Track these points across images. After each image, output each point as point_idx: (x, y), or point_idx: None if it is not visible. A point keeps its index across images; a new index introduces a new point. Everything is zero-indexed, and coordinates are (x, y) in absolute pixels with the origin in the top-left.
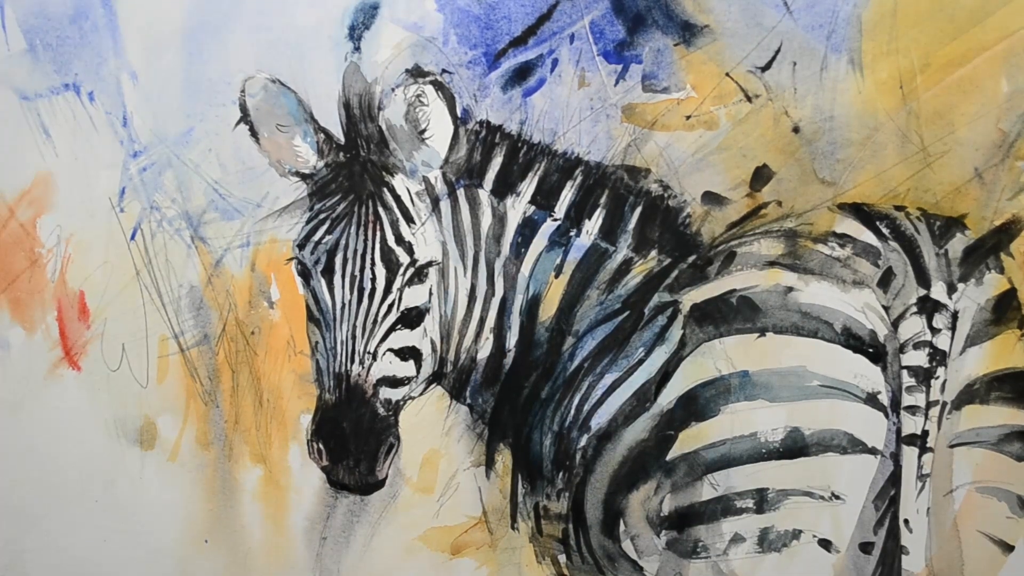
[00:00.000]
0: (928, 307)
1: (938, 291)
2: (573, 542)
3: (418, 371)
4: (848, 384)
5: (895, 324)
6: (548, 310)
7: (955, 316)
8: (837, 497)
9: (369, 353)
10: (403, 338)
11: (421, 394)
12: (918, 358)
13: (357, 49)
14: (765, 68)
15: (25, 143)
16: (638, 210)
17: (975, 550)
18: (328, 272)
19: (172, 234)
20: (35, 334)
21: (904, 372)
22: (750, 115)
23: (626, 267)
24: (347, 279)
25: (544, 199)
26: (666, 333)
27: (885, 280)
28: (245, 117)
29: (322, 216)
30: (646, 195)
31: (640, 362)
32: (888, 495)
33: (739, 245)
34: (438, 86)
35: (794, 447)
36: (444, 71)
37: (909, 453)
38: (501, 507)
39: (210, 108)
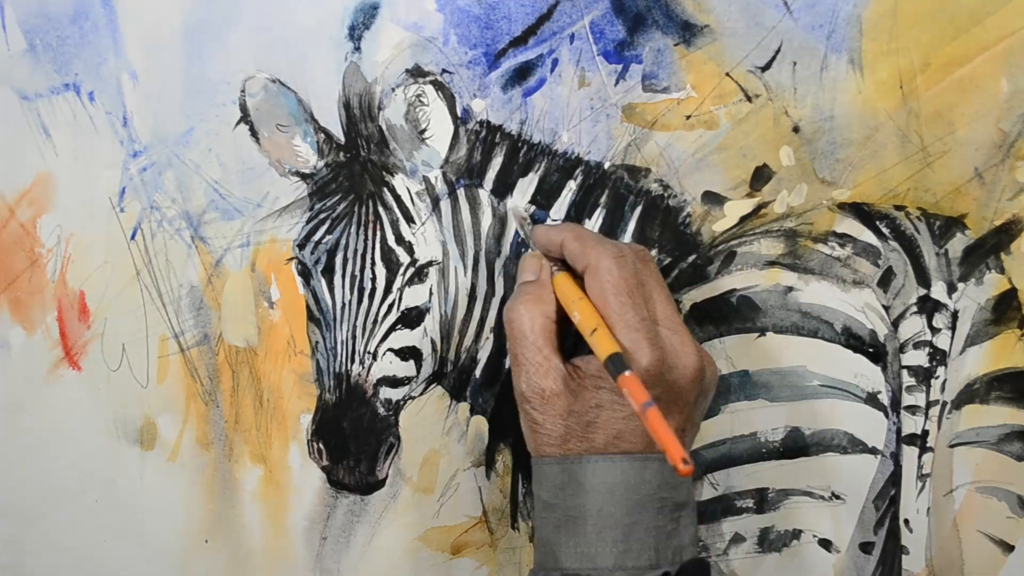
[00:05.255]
0: (928, 307)
1: (938, 291)
2: None
3: (418, 371)
4: (848, 384)
5: (895, 324)
6: None
7: (955, 316)
8: (837, 497)
9: (369, 353)
10: (403, 338)
11: (421, 394)
12: (918, 358)
13: (357, 49)
14: (765, 68)
15: (25, 143)
16: (638, 210)
17: (975, 550)
18: (328, 272)
19: (172, 234)
20: (35, 334)
21: (904, 372)
22: (750, 115)
23: None
24: (347, 279)
25: (544, 199)
26: None
27: (885, 280)
28: (245, 117)
29: (322, 216)
30: (646, 195)
31: None
32: (888, 495)
33: (739, 245)
34: (438, 86)
35: (794, 447)
36: (444, 71)
37: (909, 453)
38: (501, 507)
39: (210, 108)
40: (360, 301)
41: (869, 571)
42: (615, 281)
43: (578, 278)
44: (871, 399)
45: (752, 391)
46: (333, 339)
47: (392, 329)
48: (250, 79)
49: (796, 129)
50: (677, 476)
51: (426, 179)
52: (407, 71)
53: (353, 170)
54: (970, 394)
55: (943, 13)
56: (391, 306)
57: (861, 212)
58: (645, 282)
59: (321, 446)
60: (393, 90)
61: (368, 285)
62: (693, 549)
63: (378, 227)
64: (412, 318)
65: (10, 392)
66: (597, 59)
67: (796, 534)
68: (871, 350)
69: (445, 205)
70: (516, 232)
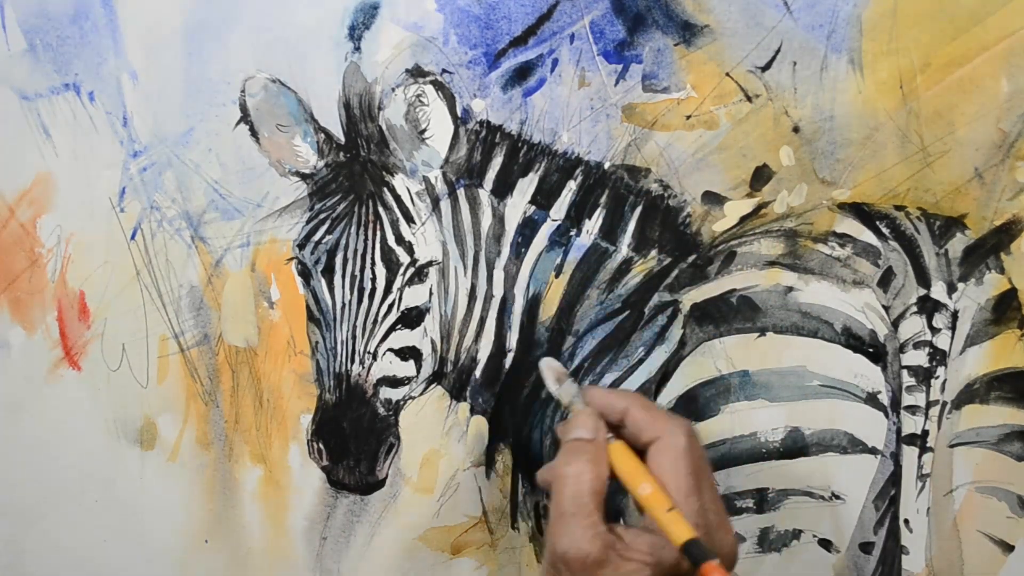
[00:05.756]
0: (928, 307)
1: (938, 291)
2: None
3: (418, 371)
4: (848, 384)
5: (895, 324)
6: (548, 310)
7: (955, 316)
8: (837, 497)
9: (369, 353)
10: (403, 338)
11: (421, 394)
12: (918, 358)
13: (357, 49)
14: (765, 68)
15: (25, 143)
16: (638, 210)
17: (975, 550)
18: (328, 272)
19: (172, 234)
20: (35, 334)
21: (904, 372)
22: (750, 115)
23: (626, 267)
24: (347, 279)
25: (544, 199)
26: (666, 333)
27: (885, 280)
28: (245, 117)
29: (322, 216)
30: (646, 195)
31: (640, 361)
32: (888, 495)
33: (739, 245)
34: (438, 86)
35: (794, 447)
36: (444, 71)
37: (909, 453)
38: (501, 507)
39: (210, 108)
40: (360, 301)
41: (869, 571)
42: (687, 461)
43: (635, 448)
44: (871, 399)
45: (752, 391)
46: (333, 339)
47: (392, 329)
48: (250, 79)
49: (796, 129)
50: None
51: (426, 179)
52: (407, 71)
53: (353, 170)
54: (970, 394)
55: (943, 13)
56: (391, 306)
57: (861, 212)
58: (704, 461)
59: (321, 446)
60: (393, 90)
61: (368, 285)
62: None
63: (378, 227)
64: (412, 318)
65: (10, 392)
66: (597, 59)
67: (796, 534)
68: (871, 350)
69: (445, 205)
70: (516, 232)
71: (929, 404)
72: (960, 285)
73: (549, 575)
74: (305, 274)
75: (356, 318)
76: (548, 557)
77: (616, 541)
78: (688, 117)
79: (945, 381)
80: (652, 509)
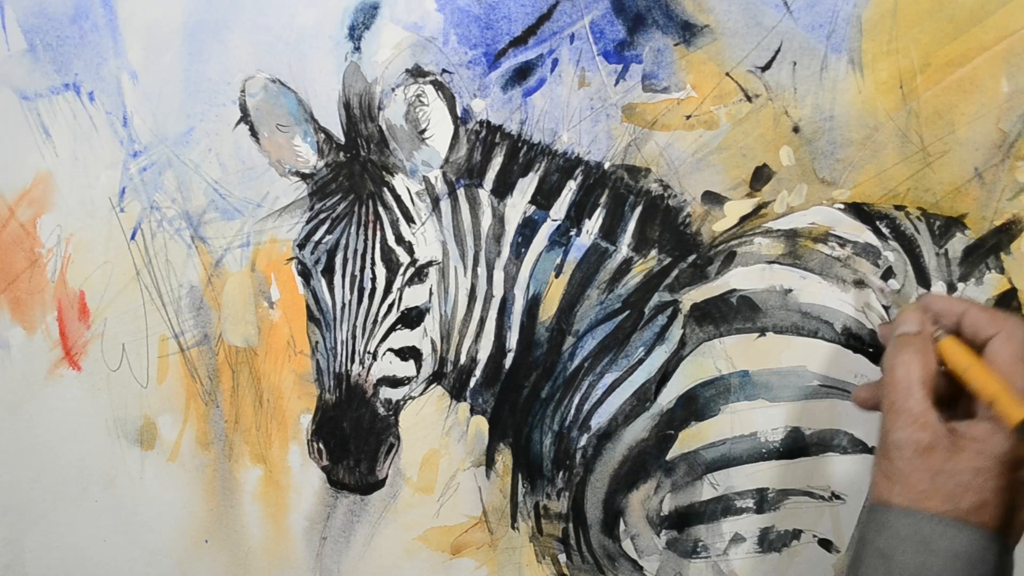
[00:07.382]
0: None
1: (938, 291)
2: (573, 541)
3: (418, 371)
4: (848, 384)
5: None
6: (548, 310)
7: None
8: (837, 497)
9: (369, 353)
10: (403, 338)
11: (421, 394)
12: None
13: (357, 49)
14: (765, 68)
15: (25, 143)
16: (638, 210)
17: None
18: (328, 272)
19: (172, 234)
20: (35, 334)
21: None
22: (750, 115)
23: (626, 267)
24: (347, 279)
25: (544, 199)
26: (666, 333)
27: (885, 280)
28: (245, 117)
29: (322, 216)
30: (646, 195)
31: (640, 361)
32: None
33: (739, 245)
34: (438, 86)
35: (794, 447)
36: (444, 71)
37: None
38: (501, 507)
39: (210, 108)
40: (360, 301)
41: None
42: None
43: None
44: None
45: (752, 391)
46: (333, 339)
47: (392, 329)
48: (250, 79)
49: (796, 129)
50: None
51: (426, 179)
52: (407, 71)
53: (353, 170)
54: None
55: (943, 13)
56: (391, 306)
57: (861, 212)
58: None
59: (321, 446)
60: (393, 90)
61: (368, 285)
62: None
63: (378, 227)
64: (412, 318)
65: (10, 392)
66: (597, 59)
67: (796, 534)
68: (871, 350)
69: (445, 205)
70: (516, 232)
71: None
72: (960, 285)
73: (883, 465)
74: (305, 274)
75: (356, 318)
76: (882, 448)
77: (949, 430)
78: (688, 117)
79: None
80: (985, 391)
